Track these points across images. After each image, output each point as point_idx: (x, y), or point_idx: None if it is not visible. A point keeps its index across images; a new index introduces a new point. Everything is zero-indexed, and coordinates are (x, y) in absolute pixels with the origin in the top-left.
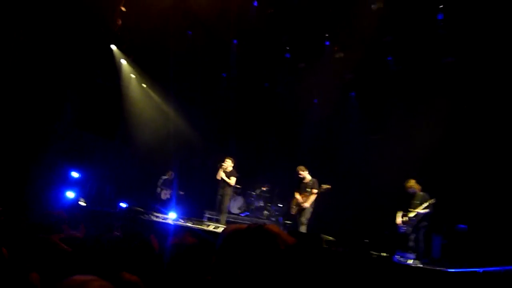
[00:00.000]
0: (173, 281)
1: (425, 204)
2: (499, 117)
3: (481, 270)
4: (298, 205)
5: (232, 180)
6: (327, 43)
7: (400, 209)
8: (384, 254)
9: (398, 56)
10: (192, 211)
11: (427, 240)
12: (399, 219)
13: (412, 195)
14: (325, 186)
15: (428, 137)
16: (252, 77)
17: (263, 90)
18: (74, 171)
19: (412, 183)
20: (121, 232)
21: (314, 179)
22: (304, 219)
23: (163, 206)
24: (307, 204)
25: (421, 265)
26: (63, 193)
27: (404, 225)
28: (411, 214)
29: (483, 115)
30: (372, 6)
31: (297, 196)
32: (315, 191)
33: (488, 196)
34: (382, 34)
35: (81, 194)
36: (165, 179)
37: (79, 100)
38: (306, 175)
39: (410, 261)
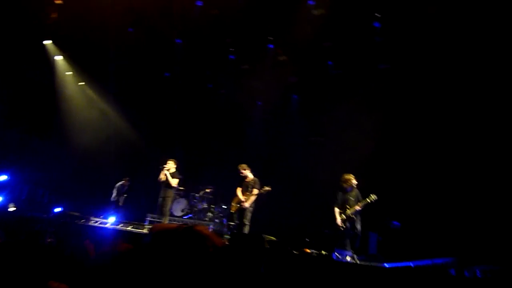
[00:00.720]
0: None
1: (367, 200)
2: (431, 120)
3: (413, 264)
4: (239, 203)
5: (174, 181)
6: (271, 46)
7: (337, 206)
8: (324, 252)
9: (337, 61)
10: (134, 215)
11: (364, 237)
12: (339, 220)
13: (348, 191)
14: (266, 188)
15: (364, 139)
16: (196, 77)
17: (207, 91)
18: (2, 173)
19: (350, 178)
20: (54, 239)
21: (255, 178)
22: (246, 220)
23: (119, 212)
24: (247, 204)
25: (359, 262)
26: None
27: (344, 224)
28: (350, 211)
29: (415, 119)
30: (314, 11)
31: (239, 193)
32: (255, 191)
33: (419, 195)
34: (323, 39)
35: (10, 199)
36: (121, 185)
37: (7, 96)
38: (247, 173)
39: (348, 258)
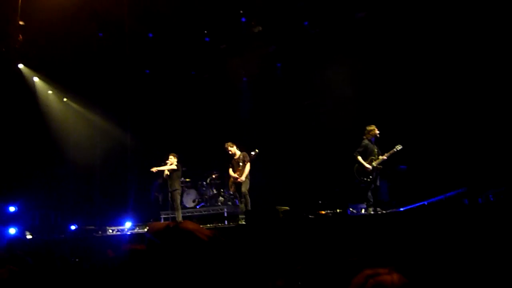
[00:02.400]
0: None
1: (394, 150)
2: (420, 53)
3: (426, 202)
4: (235, 182)
5: (173, 164)
6: (243, 19)
7: (359, 155)
8: (339, 210)
9: (313, 20)
10: (147, 215)
11: None
12: (369, 166)
13: (373, 143)
14: (253, 153)
15: (356, 91)
16: (177, 67)
17: (191, 78)
18: (11, 205)
19: (374, 128)
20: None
21: (243, 153)
22: (245, 189)
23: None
24: (243, 178)
25: (375, 212)
26: (3, 231)
27: (371, 174)
28: (376, 162)
29: (405, 57)
30: None
31: (231, 173)
32: (248, 164)
33: (418, 134)
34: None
35: (24, 227)
36: (158, 184)
37: None
38: (235, 150)
39: (363, 211)
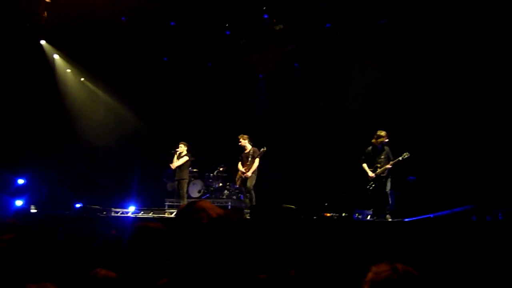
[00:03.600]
0: (138, 267)
1: (399, 158)
2: (440, 69)
3: (432, 215)
4: (242, 176)
5: (179, 162)
6: (266, 16)
7: (364, 162)
8: (345, 214)
9: (335, 23)
10: (153, 201)
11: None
12: (371, 173)
13: (379, 150)
14: (261, 150)
15: (371, 97)
16: (195, 58)
17: (207, 70)
18: (19, 177)
19: (383, 135)
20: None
21: (254, 148)
22: (250, 184)
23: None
24: (249, 173)
25: (381, 219)
26: (11, 202)
27: (374, 182)
28: (380, 170)
29: (422, 69)
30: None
31: (240, 167)
32: (256, 160)
33: (431, 147)
34: (318, 1)
35: (30, 201)
36: (169, 172)
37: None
38: (246, 144)
39: (369, 217)
